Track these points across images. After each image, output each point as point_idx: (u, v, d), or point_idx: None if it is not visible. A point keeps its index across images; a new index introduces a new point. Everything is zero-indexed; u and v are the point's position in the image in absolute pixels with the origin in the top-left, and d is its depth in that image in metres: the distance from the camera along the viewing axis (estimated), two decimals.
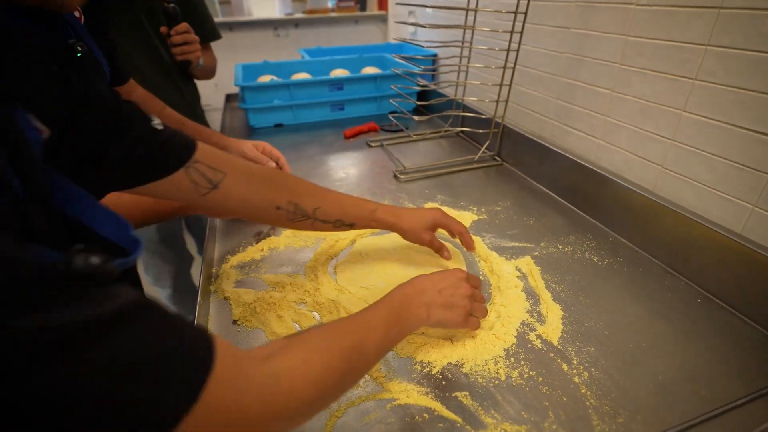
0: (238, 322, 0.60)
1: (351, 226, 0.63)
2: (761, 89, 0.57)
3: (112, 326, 0.23)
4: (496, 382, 0.51)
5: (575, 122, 0.91)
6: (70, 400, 0.21)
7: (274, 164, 0.90)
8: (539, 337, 0.57)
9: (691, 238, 0.67)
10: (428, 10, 1.52)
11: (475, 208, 0.89)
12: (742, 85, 0.60)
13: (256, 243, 0.77)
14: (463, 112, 1.20)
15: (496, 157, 1.13)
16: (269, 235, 0.80)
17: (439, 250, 0.68)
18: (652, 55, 0.72)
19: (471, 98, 1.08)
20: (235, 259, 0.73)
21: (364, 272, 0.69)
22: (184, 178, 0.50)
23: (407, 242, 0.69)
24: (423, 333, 0.57)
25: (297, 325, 0.59)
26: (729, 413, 0.47)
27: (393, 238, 0.73)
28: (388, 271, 0.68)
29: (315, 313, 0.61)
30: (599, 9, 0.80)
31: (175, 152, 0.50)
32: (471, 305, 0.53)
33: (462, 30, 1.10)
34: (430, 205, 0.90)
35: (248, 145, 0.88)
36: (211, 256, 0.74)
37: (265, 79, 1.42)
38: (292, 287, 0.66)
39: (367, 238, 0.78)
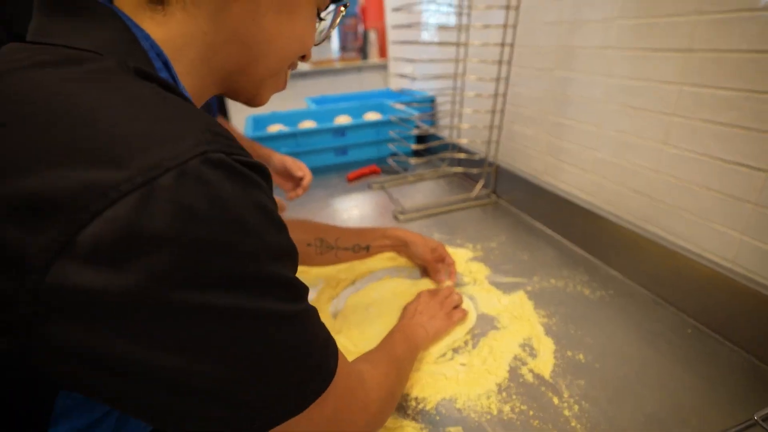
0: None
1: (367, 249, 0.77)
2: (736, 123, 0.60)
3: (298, 315, 0.29)
4: (488, 416, 0.53)
5: (566, 157, 0.96)
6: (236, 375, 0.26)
7: (301, 174, 1.01)
8: (531, 371, 0.59)
9: (678, 269, 0.69)
10: (425, 57, 1.62)
11: (471, 245, 0.92)
12: (717, 120, 0.63)
13: None
14: (459, 153, 1.26)
15: (492, 195, 1.17)
16: None
17: (437, 272, 0.78)
18: (631, 93, 0.76)
19: (464, 140, 1.14)
20: None
21: (363, 316, 0.72)
22: None
23: (405, 289, 0.78)
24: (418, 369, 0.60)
25: None
26: None
27: (393, 287, 0.78)
28: (386, 320, 0.70)
29: None
30: (579, 52, 0.86)
31: None
32: (447, 307, 0.68)
33: (453, 79, 1.18)
34: None
35: (289, 158, 1.04)
36: None
37: (274, 128, 1.51)
38: None
39: (368, 284, 0.81)
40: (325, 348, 0.32)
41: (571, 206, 0.90)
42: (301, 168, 1.02)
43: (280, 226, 0.29)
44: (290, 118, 1.60)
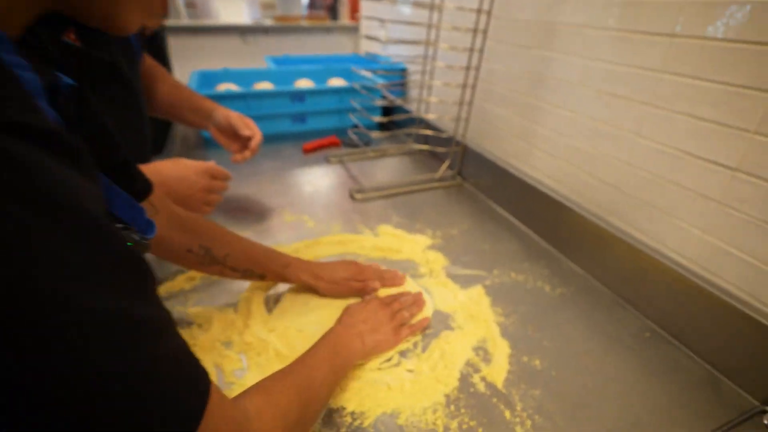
0: None
1: (261, 277, 0.62)
2: (711, 118, 0.56)
3: (163, 330, 0.26)
4: None
5: (537, 142, 0.89)
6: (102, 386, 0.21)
7: (249, 134, 0.89)
8: (483, 379, 0.53)
9: (640, 268, 0.65)
10: (398, 18, 1.49)
11: (431, 232, 0.85)
12: (693, 113, 0.58)
13: (188, 270, 0.71)
14: (426, 129, 1.18)
15: (457, 177, 1.10)
16: None
17: (364, 291, 0.66)
18: (609, 79, 0.70)
19: (432, 115, 1.05)
20: (162, 289, 0.67)
21: (302, 309, 0.63)
22: None
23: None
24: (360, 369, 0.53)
25: (218, 370, 0.53)
26: None
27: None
28: (327, 314, 0.63)
29: (241, 356, 0.56)
30: (560, 30, 0.78)
31: (141, 186, 0.48)
32: (396, 321, 0.59)
33: (425, 46, 1.07)
34: (383, 227, 0.86)
35: (235, 114, 0.91)
36: None
37: (224, 87, 1.36)
38: (219, 324, 0.60)
39: None
40: (185, 383, 0.26)
41: (538, 194, 0.85)
42: (248, 126, 0.90)
43: (85, 225, 0.22)
44: (245, 78, 1.44)
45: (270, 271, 0.62)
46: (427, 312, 0.63)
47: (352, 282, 0.65)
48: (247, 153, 0.89)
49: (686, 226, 0.62)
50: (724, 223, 0.57)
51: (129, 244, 0.29)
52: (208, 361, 0.54)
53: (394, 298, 0.63)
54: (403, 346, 0.58)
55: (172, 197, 0.66)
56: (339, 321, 0.57)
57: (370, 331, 0.56)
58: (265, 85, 1.39)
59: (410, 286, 0.69)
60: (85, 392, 0.21)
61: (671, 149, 0.62)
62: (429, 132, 1.13)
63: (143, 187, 0.48)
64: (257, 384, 0.40)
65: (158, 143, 1.17)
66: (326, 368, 0.47)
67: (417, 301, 0.64)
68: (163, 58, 1.15)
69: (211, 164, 0.74)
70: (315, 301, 0.65)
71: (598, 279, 0.72)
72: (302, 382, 0.43)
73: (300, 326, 0.60)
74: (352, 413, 0.49)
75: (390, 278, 0.68)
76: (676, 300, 0.61)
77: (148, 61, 0.86)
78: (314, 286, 0.64)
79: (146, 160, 0.84)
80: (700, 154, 0.59)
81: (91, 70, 0.62)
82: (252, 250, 0.61)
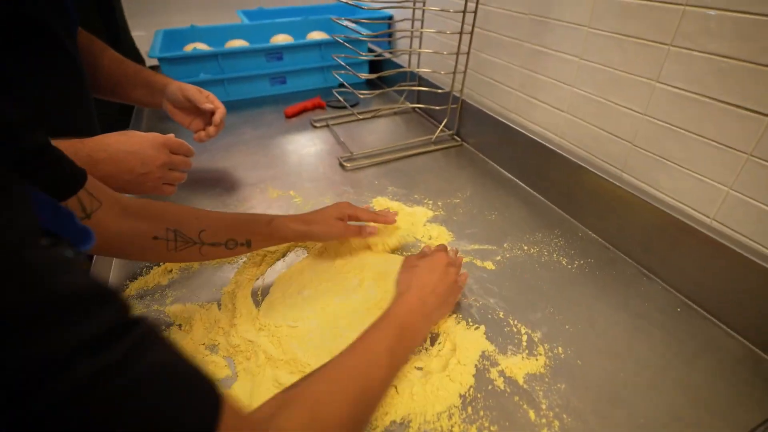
0: None
1: (248, 245, 0.54)
2: (743, 57, 0.49)
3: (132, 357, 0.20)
4: None
5: (540, 93, 0.80)
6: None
7: (211, 107, 0.78)
8: (502, 374, 0.48)
9: (666, 235, 0.59)
10: None
11: (431, 202, 0.77)
12: (722, 52, 0.51)
13: (164, 262, 0.63)
14: (419, 85, 1.06)
15: (456, 137, 1.00)
16: None
17: (359, 233, 0.62)
18: (624, 16, 0.61)
19: (426, 69, 0.94)
20: (135, 286, 0.59)
21: (294, 301, 0.56)
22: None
23: (345, 261, 0.62)
24: None
25: None
26: None
27: (330, 258, 0.63)
28: (323, 304, 0.56)
29: (228, 360, 0.49)
30: None
31: (68, 178, 0.39)
32: (453, 276, 0.52)
33: None
34: (379, 200, 0.78)
35: (192, 87, 0.79)
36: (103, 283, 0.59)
37: (192, 47, 1.21)
38: (202, 324, 0.53)
39: (301, 255, 0.66)
40: (186, 399, 0.22)
41: (545, 152, 0.76)
42: (209, 99, 0.79)
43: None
44: (215, 35, 1.30)
45: (255, 234, 0.54)
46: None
47: (349, 226, 0.61)
48: (212, 129, 0.78)
49: (712, 182, 0.55)
50: (758, 179, 0.50)
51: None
52: None
53: (454, 251, 0.59)
54: None
55: (123, 177, 0.57)
56: (408, 289, 0.48)
57: (439, 305, 0.49)
58: (238, 43, 1.25)
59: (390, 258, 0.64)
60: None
61: (694, 95, 0.55)
62: (422, 88, 1.02)
63: (71, 178, 0.39)
64: (304, 390, 0.33)
65: (122, 118, 1.05)
66: (387, 364, 0.40)
67: (455, 254, 0.60)
68: (115, 18, 1.01)
69: (169, 137, 0.64)
70: (309, 290, 0.58)
71: (619, 248, 0.66)
72: (360, 387, 0.36)
73: (293, 321, 0.53)
74: None
75: (383, 217, 0.64)
76: (708, 269, 0.55)
77: (84, 34, 0.73)
78: (308, 233, 0.57)
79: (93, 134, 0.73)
80: (729, 99, 0.51)
81: (11, 29, 0.50)
82: (227, 219, 0.54)
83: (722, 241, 0.52)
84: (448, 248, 0.59)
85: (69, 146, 0.49)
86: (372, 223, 0.64)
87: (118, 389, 0.19)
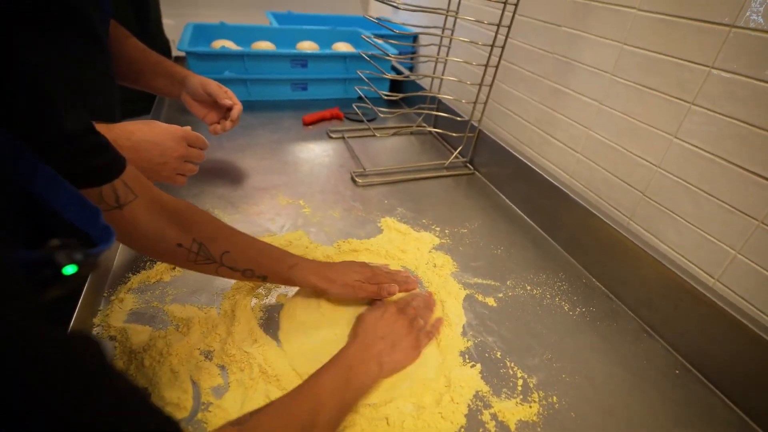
0: None
1: (263, 279, 0.53)
2: (764, 125, 0.49)
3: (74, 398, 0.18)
4: None
5: (556, 131, 0.81)
6: None
7: (230, 103, 0.80)
8: (494, 417, 0.47)
9: (669, 293, 0.59)
10: None
11: (438, 229, 0.78)
12: (744, 119, 0.51)
13: None
14: (437, 110, 1.07)
15: (469, 165, 1.01)
16: None
17: (378, 294, 0.57)
18: (648, 70, 0.62)
19: (448, 96, 0.95)
20: (137, 279, 0.59)
21: (305, 318, 0.56)
22: (98, 188, 0.39)
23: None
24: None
25: (194, 386, 0.46)
26: None
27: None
28: (336, 316, 0.56)
29: (222, 369, 0.49)
30: (596, 8, 0.68)
31: (106, 166, 0.39)
32: (414, 331, 0.53)
33: (444, 16, 0.96)
34: (387, 220, 0.78)
35: (213, 81, 0.80)
36: (104, 273, 0.59)
37: (220, 44, 1.23)
38: (200, 327, 0.53)
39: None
40: None
41: (556, 193, 0.77)
42: (228, 95, 0.81)
43: None
44: (243, 35, 1.31)
45: (274, 273, 0.53)
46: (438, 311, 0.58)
47: (366, 285, 0.57)
48: (228, 124, 0.80)
49: (720, 243, 0.55)
50: (767, 247, 0.50)
51: (71, 268, 0.23)
52: (183, 372, 0.47)
53: (407, 302, 0.57)
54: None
55: (141, 165, 0.58)
56: (354, 336, 0.50)
57: (389, 350, 0.49)
58: (265, 45, 1.26)
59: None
60: None
61: (712, 155, 0.55)
62: (441, 114, 1.03)
63: (109, 164, 0.38)
64: (248, 427, 0.33)
65: (141, 105, 1.06)
66: (334, 406, 0.40)
67: (428, 303, 0.59)
68: (148, 7, 1.02)
69: (187, 129, 0.65)
70: (314, 317, 0.57)
71: (622, 300, 0.66)
72: (307, 421, 0.36)
73: (309, 345, 0.53)
74: None
75: (403, 281, 0.60)
76: (709, 333, 0.54)
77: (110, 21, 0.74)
78: (325, 290, 0.56)
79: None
80: (745, 164, 0.52)
81: (49, 13, 0.51)
82: (254, 249, 0.53)
83: (724, 306, 0.52)
84: (419, 291, 0.60)
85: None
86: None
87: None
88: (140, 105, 1.05)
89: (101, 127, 0.53)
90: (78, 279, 0.24)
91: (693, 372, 0.56)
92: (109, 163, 0.39)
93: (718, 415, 0.51)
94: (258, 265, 0.52)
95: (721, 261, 0.56)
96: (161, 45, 1.13)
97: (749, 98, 0.50)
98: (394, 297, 0.58)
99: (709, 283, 0.56)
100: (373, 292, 0.57)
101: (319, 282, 0.55)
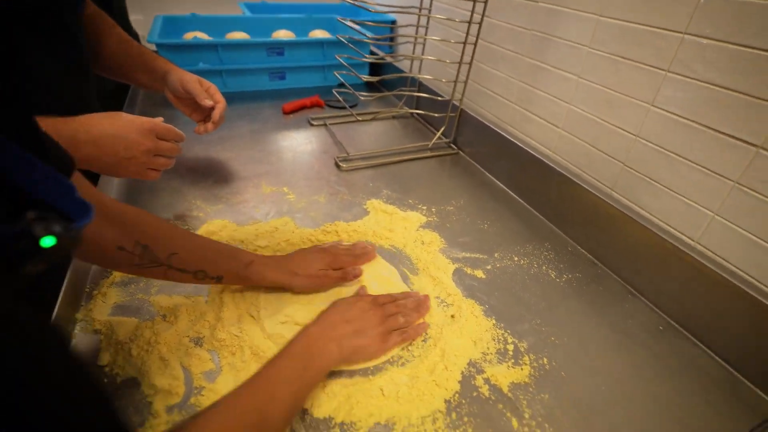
0: (106, 368, 0.46)
1: (218, 279, 0.50)
2: (737, 88, 0.50)
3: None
4: None
5: (537, 108, 0.81)
6: None
7: (211, 104, 0.76)
8: (487, 381, 0.48)
9: (652, 254, 0.60)
10: None
11: (425, 208, 0.78)
12: (717, 82, 0.52)
13: None
14: (419, 91, 1.07)
15: (452, 145, 1.01)
16: None
17: (344, 279, 0.58)
18: (624, 40, 0.62)
19: (428, 76, 0.95)
20: (119, 273, 0.58)
21: (284, 299, 0.56)
22: None
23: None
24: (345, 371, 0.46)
25: (186, 372, 0.46)
26: None
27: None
28: (316, 300, 0.56)
29: (213, 354, 0.48)
30: None
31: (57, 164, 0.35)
32: (386, 325, 0.50)
33: None
34: (374, 202, 0.78)
35: (193, 78, 0.76)
36: (85, 268, 0.58)
37: (192, 36, 1.20)
38: (188, 315, 0.52)
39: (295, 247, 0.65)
40: None
41: (539, 166, 0.77)
42: (209, 92, 0.77)
43: None
44: (215, 25, 1.29)
45: (229, 272, 0.50)
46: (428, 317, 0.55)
47: (330, 272, 0.57)
48: (210, 126, 0.76)
49: (698, 206, 0.57)
50: (742, 206, 0.52)
51: (49, 239, 0.23)
52: (173, 360, 0.47)
53: (393, 298, 0.54)
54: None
55: (105, 160, 0.56)
56: (317, 319, 0.48)
57: (352, 334, 0.47)
58: (239, 35, 1.24)
59: (381, 264, 0.63)
60: None
61: (687, 121, 0.56)
62: (422, 94, 1.03)
63: (60, 162, 0.36)
64: (199, 422, 0.33)
65: (116, 100, 1.03)
66: (288, 392, 0.39)
67: (419, 306, 0.55)
68: (110, 2, 0.99)
69: (157, 121, 0.62)
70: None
71: (606, 264, 0.67)
72: (256, 420, 0.35)
73: (283, 316, 0.53)
74: (342, 424, 0.43)
75: (362, 253, 0.61)
76: (691, 290, 0.56)
77: (92, 8, 0.71)
78: (288, 284, 0.54)
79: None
80: (720, 127, 0.53)
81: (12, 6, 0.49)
82: (204, 248, 0.50)
83: (705, 263, 0.54)
84: (415, 292, 0.58)
85: (51, 124, 0.48)
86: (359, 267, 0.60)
87: None
88: (117, 96, 1.02)
89: (57, 122, 0.52)
90: (59, 253, 0.24)
91: (675, 327, 0.58)
92: (60, 158, 0.36)
93: (699, 365, 0.53)
94: (210, 264, 0.49)
95: (700, 223, 0.57)
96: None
97: (722, 62, 0.51)
98: (384, 291, 0.58)
99: (690, 245, 0.58)
100: (338, 279, 0.57)
101: (280, 277, 0.53)
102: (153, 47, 1.07)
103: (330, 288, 0.58)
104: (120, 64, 0.76)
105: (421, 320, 0.54)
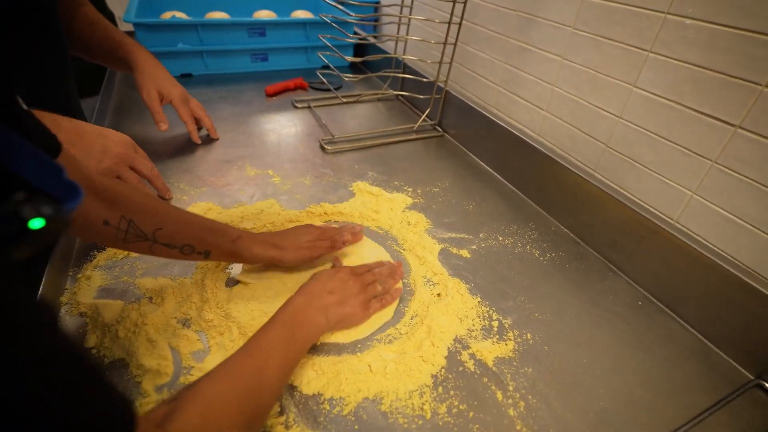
0: (93, 350, 0.45)
1: (205, 255, 0.49)
2: (717, 68, 0.51)
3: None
4: (420, 422, 0.42)
5: (522, 91, 0.82)
6: None
7: (164, 129, 0.76)
8: (473, 356, 0.49)
9: (632, 232, 0.62)
10: None
11: (411, 190, 0.78)
12: (698, 62, 0.53)
13: None
14: (404, 72, 1.06)
15: (437, 127, 1.01)
16: None
17: (333, 247, 0.58)
18: (608, 20, 0.63)
19: (412, 57, 0.94)
20: (103, 257, 0.57)
21: (267, 281, 0.56)
22: None
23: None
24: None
25: (174, 353, 0.46)
26: None
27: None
28: (297, 280, 0.56)
29: (201, 335, 0.48)
30: None
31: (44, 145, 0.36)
32: (366, 293, 0.52)
33: None
34: (359, 184, 0.78)
35: (152, 94, 0.73)
36: (68, 252, 0.57)
37: (170, 15, 1.16)
38: (174, 297, 0.52)
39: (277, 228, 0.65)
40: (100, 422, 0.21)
41: (523, 149, 0.78)
42: (196, 111, 0.82)
43: None
44: (194, 4, 1.24)
45: (216, 248, 0.50)
46: (388, 312, 0.54)
47: (319, 242, 0.57)
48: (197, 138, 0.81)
49: (677, 186, 0.58)
50: (719, 185, 0.53)
51: (38, 221, 0.22)
52: (161, 341, 0.47)
53: (368, 268, 0.56)
54: (377, 320, 0.52)
55: (83, 148, 0.55)
56: (300, 290, 0.48)
57: (336, 304, 0.48)
58: (219, 15, 1.20)
59: (369, 245, 0.64)
60: None
61: (668, 101, 0.57)
62: (407, 75, 1.02)
63: (46, 142, 0.35)
64: (195, 392, 0.33)
65: (93, 82, 1.00)
66: (280, 358, 0.40)
67: (394, 273, 0.57)
68: None
69: (138, 149, 0.62)
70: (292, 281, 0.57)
71: (588, 243, 0.69)
72: (250, 388, 0.36)
73: (265, 298, 0.53)
74: (331, 399, 0.43)
75: (353, 236, 0.61)
76: (669, 266, 0.58)
77: None
78: (277, 258, 0.53)
79: (72, 110, 0.69)
80: (700, 107, 0.54)
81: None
82: (191, 223, 0.49)
83: (684, 240, 0.55)
84: (387, 261, 0.60)
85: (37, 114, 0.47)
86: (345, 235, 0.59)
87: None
88: (88, 83, 0.99)
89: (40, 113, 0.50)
90: (48, 236, 0.23)
91: (654, 302, 0.60)
92: (45, 139, 0.36)
93: (676, 338, 0.55)
94: (197, 240, 0.48)
95: (679, 202, 0.58)
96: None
97: (702, 42, 0.52)
98: (360, 262, 0.59)
99: (669, 223, 0.59)
100: (327, 248, 0.58)
101: (268, 252, 0.53)
102: (130, 27, 1.04)
103: (319, 258, 0.58)
104: (87, 46, 0.73)
105: (397, 286, 0.57)
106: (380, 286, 0.54)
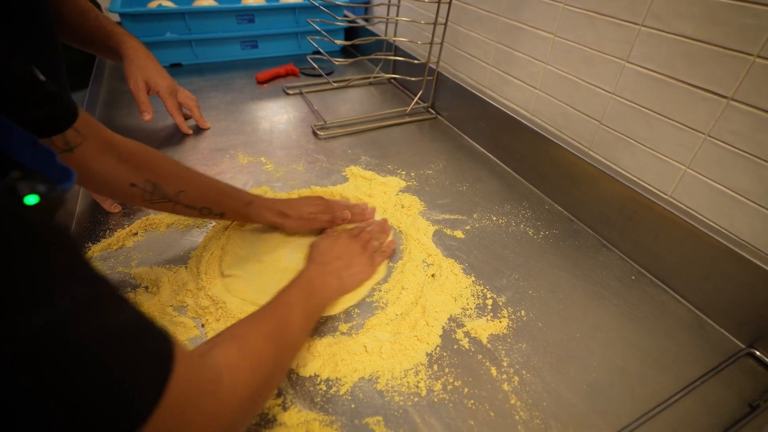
0: None
1: (221, 216, 0.56)
2: (710, 40, 0.50)
3: (81, 316, 0.20)
4: (416, 399, 0.43)
5: (514, 70, 0.81)
6: (28, 403, 0.18)
7: (148, 119, 0.76)
8: (467, 334, 0.50)
9: (625, 208, 0.62)
10: None
11: (404, 172, 0.78)
12: (690, 35, 0.52)
13: (129, 224, 0.61)
14: (395, 55, 1.05)
15: (430, 110, 1.00)
16: (147, 213, 0.63)
17: (333, 222, 0.62)
18: None
19: (403, 39, 0.92)
20: (98, 248, 0.57)
21: (255, 270, 0.56)
22: None
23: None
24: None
25: None
26: (661, 414, 0.43)
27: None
28: (281, 267, 0.57)
29: (198, 321, 0.49)
30: None
31: (58, 116, 0.39)
32: (368, 250, 0.57)
33: None
34: (353, 168, 0.77)
35: (139, 85, 0.74)
36: None
37: (157, 4, 1.14)
38: (170, 285, 0.52)
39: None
40: (144, 351, 0.23)
41: (516, 126, 0.78)
42: (182, 101, 0.82)
43: None
44: None
45: (230, 210, 0.55)
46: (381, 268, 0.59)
47: (320, 215, 0.61)
48: (185, 128, 0.81)
49: (671, 161, 0.58)
50: (712, 158, 0.53)
51: (32, 197, 0.24)
52: None
53: (361, 228, 0.61)
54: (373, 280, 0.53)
55: None
56: (311, 260, 0.54)
57: (345, 266, 0.53)
58: (206, 2, 1.18)
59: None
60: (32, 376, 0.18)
61: (661, 76, 0.56)
62: (398, 58, 1.01)
63: (60, 115, 0.38)
64: (229, 331, 0.37)
65: (81, 75, 0.99)
66: (301, 311, 0.44)
67: (383, 228, 0.62)
68: None
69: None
70: (269, 256, 0.57)
71: (582, 221, 0.69)
72: (277, 328, 0.40)
73: (255, 288, 0.53)
74: (327, 380, 0.44)
75: (359, 212, 0.65)
76: (662, 241, 0.58)
77: None
78: (280, 224, 0.59)
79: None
80: (692, 81, 0.53)
81: None
82: (210, 187, 0.54)
83: (677, 213, 0.55)
84: (375, 221, 0.65)
85: None
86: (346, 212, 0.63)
87: (72, 343, 0.19)
88: (76, 75, 0.98)
89: None
90: (43, 213, 0.25)
91: (647, 276, 0.60)
92: (59, 113, 0.38)
93: (669, 310, 0.55)
94: (215, 203, 0.53)
95: (673, 177, 0.58)
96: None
97: (694, 13, 0.51)
98: (349, 226, 0.63)
99: (663, 198, 0.59)
100: (326, 222, 0.61)
101: (274, 217, 0.58)
102: (116, 17, 1.02)
103: (318, 230, 0.62)
104: (76, 35, 0.72)
105: (389, 239, 0.62)
106: (376, 241, 0.59)
